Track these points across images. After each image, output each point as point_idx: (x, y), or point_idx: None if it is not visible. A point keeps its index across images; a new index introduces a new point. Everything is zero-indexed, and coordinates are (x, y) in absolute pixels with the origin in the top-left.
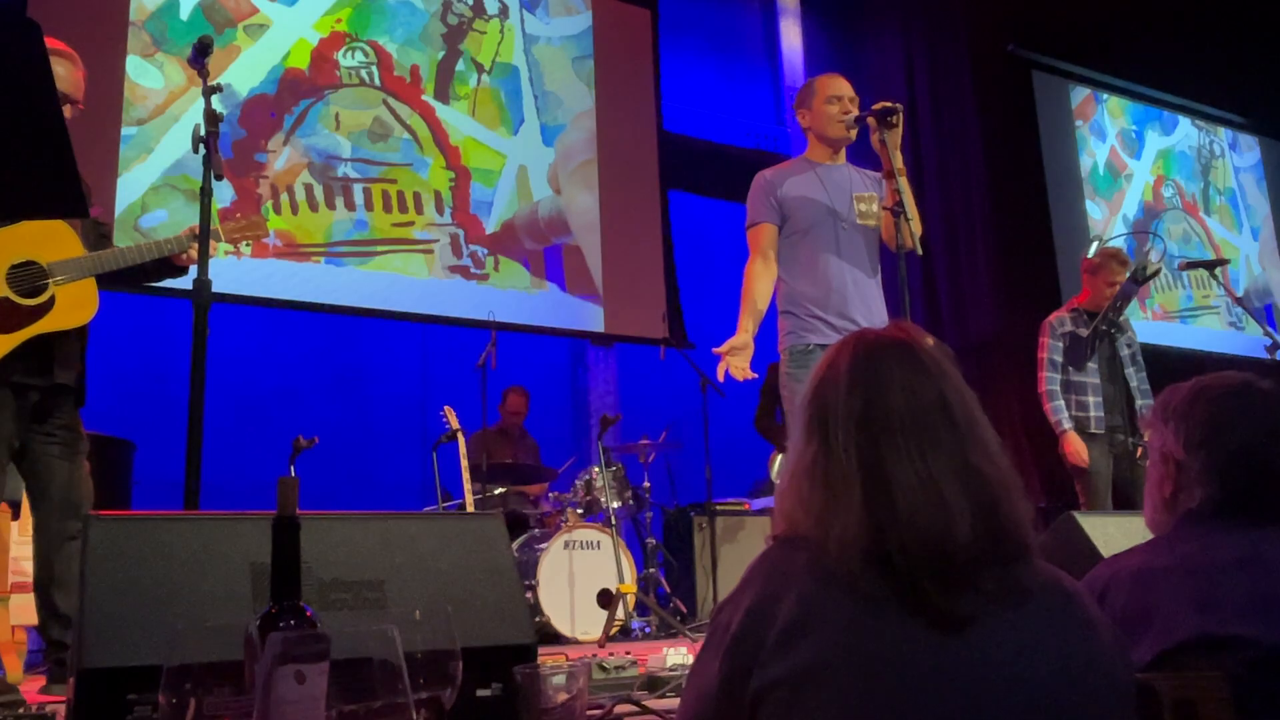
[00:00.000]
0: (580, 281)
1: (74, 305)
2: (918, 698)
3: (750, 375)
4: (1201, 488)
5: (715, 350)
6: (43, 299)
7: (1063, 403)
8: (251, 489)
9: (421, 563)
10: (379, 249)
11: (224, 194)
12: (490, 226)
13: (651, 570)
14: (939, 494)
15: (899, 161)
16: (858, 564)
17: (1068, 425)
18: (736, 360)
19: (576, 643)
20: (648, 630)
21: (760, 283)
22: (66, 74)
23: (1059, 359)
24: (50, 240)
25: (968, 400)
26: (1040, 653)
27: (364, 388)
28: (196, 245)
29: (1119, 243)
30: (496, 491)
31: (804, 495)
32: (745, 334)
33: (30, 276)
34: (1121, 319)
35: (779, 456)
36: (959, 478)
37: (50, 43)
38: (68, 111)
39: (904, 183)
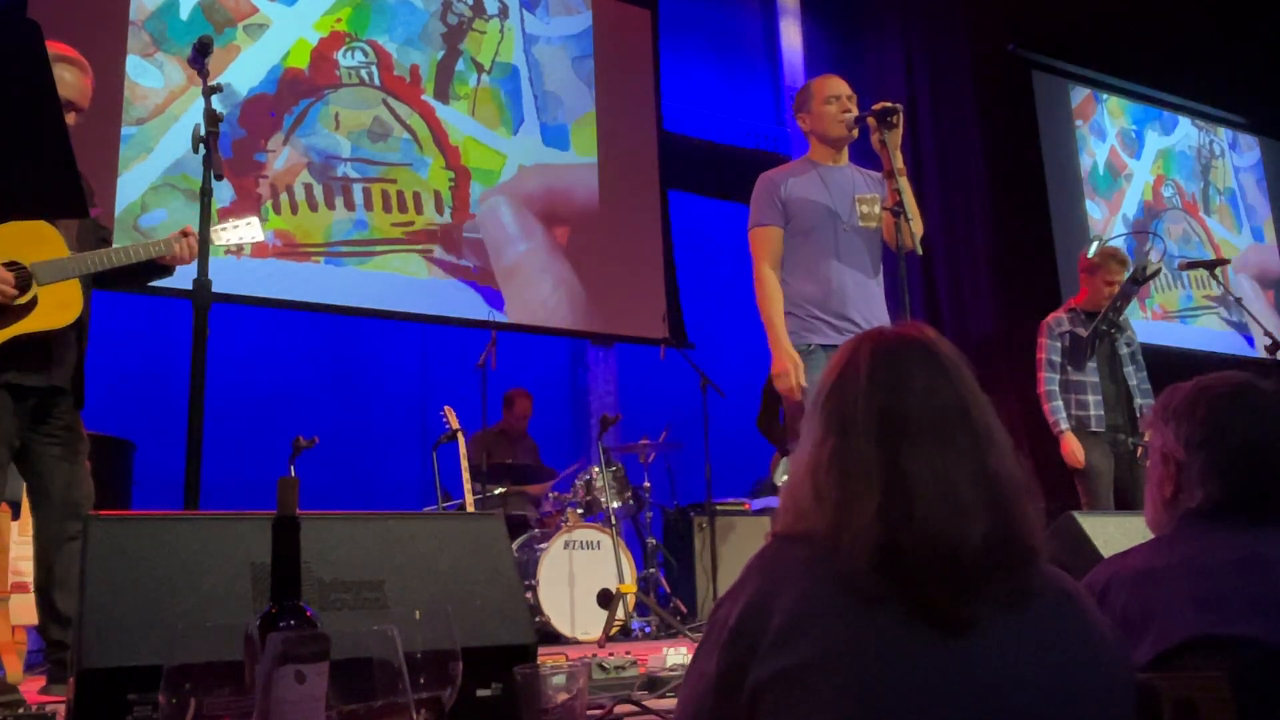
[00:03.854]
0: (579, 281)
1: (56, 306)
2: (917, 698)
3: (804, 383)
4: (1202, 488)
5: (777, 387)
6: (26, 299)
7: (1061, 403)
8: (251, 489)
9: (421, 563)
10: (379, 249)
11: (224, 194)
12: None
13: (651, 570)
14: (956, 494)
15: (899, 161)
16: (867, 560)
17: (1066, 426)
18: (789, 382)
19: (576, 643)
20: (648, 630)
21: (776, 304)
22: (74, 80)
23: (1057, 359)
24: (34, 242)
25: (984, 404)
26: (1041, 655)
27: (364, 388)
28: (182, 246)
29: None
30: (497, 492)
31: (819, 489)
32: (788, 356)
33: (15, 277)
34: (1121, 319)
35: (782, 458)
36: (975, 480)
37: (61, 49)
38: (71, 118)
39: (904, 183)
